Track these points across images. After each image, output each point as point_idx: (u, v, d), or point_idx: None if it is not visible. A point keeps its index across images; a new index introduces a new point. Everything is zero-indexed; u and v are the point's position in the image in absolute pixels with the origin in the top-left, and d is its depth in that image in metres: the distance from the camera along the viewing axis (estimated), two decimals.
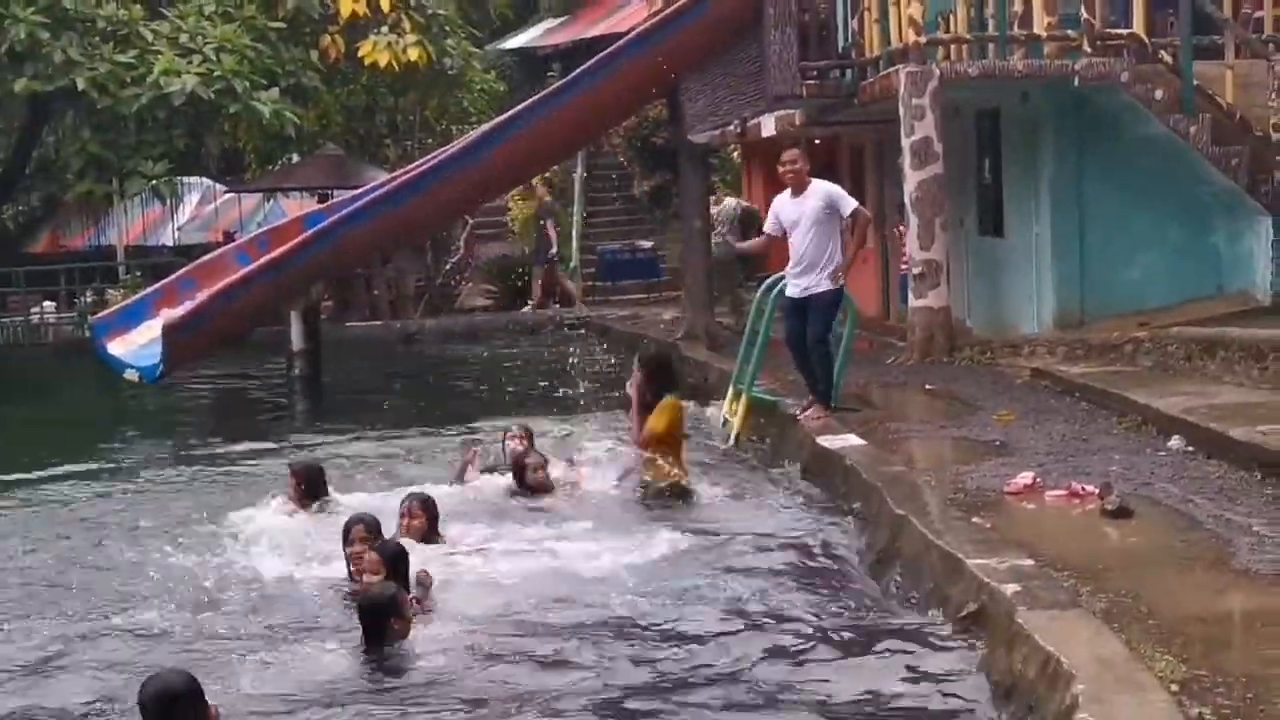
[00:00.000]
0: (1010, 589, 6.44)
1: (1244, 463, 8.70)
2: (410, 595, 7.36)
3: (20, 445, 15.36)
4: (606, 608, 7.77)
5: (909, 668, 6.55)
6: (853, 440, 10.25)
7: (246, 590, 8.60)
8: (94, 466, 13.66)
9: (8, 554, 9.98)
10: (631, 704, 6.33)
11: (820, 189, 11.02)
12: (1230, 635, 6.03)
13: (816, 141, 18.38)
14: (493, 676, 6.80)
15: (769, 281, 12.33)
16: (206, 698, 5.17)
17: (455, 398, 18.20)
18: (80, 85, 22.04)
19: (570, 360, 19.89)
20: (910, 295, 14.15)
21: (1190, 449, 9.40)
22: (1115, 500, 8.02)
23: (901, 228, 15.40)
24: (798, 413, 11.26)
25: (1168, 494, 8.31)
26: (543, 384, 17.82)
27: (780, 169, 11.13)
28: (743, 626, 7.35)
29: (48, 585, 9.10)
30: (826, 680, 6.49)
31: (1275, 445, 8.57)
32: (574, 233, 28.23)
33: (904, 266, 15.58)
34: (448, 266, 28.93)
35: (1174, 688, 5.25)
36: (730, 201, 21.20)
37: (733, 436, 11.80)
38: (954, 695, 6.15)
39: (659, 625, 7.42)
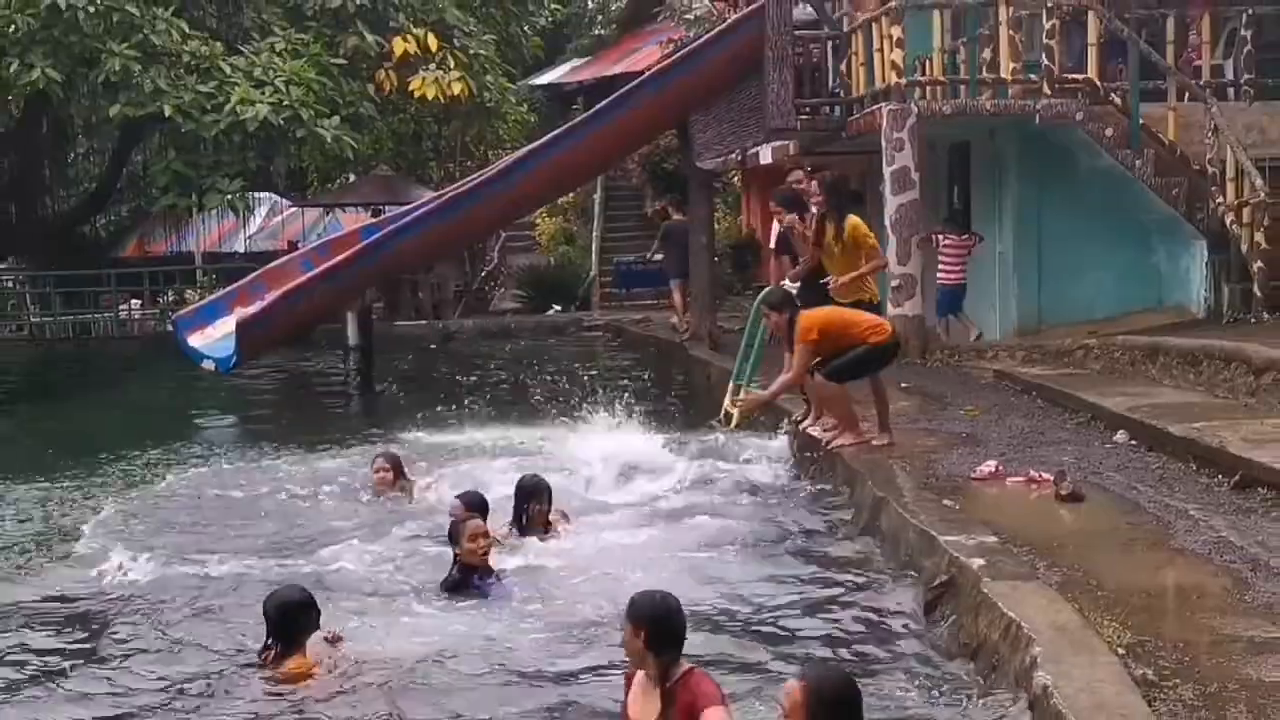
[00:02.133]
0: (976, 562, 6.45)
1: (1181, 455, 8.70)
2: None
3: (113, 425, 15.48)
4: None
5: None
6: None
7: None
8: (179, 444, 13.82)
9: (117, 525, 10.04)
10: None
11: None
12: (1168, 606, 6.02)
13: (808, 169, 18.31)
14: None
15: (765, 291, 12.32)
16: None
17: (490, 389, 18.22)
18: (167, 111, 22.06)
19: (591, 356, 20.00)
20: (889, 304, 14.07)
21: (1134, 442, 9.39)
22: (1068, 486, 8.01)
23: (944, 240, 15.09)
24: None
25: (1114, 482, 8.31)
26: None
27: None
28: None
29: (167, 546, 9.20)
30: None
31: (1209, 441, 8.56)
32: (594, 246, 28.28)
33: (939, 279, 15.06)
34: (483, 273, 29.02)
35: (1120, 651, 5.26)
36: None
37: (733, 425, 11.75)
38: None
39: None
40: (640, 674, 5.04)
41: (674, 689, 4.85)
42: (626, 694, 5.20)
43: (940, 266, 14.87)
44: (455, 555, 7.38)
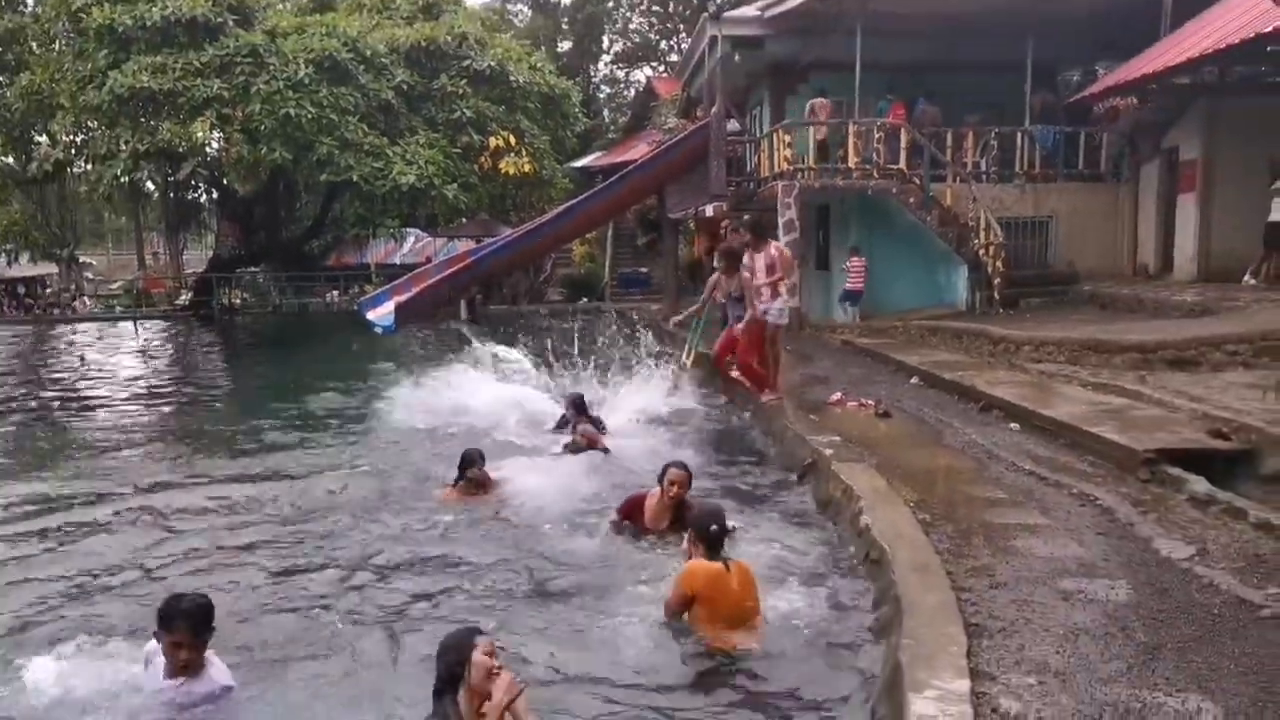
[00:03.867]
0: (828, 451, 6.51)
1: (950, 391, 8.76)
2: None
3: (324, 364, 15.43)
4: None
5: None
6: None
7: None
8: (362, 379, 13.75)
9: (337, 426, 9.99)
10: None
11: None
12: (939, 479, 6.06)
13: (732, 218, 18.20)
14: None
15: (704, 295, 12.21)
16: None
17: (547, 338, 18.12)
18: (354, 179, 21.86)
19: (601, 326, 19.80)
20: None
21: (922, 384, 9.44)
22: (882, 408, 8.08)
23: (852, 262, 14.62)
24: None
25: (910, 406, 8.36)
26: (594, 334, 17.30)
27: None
28: None
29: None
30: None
31: (966, 382, 8.61)
32: (607, 263, 28.13)
33: (848, 285, 14.58)
34: (542, 278, 28.83)
35: (911, 504, 5.32)
36: None
37: (687, 367, 11.68)
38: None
39: None
40: (651, 499, 5.33)
41: (686, 504, 5.24)
42: (619, 524, 5.31)
43: (849, 277, 14.68)
44: (571, 432, 7.73)
